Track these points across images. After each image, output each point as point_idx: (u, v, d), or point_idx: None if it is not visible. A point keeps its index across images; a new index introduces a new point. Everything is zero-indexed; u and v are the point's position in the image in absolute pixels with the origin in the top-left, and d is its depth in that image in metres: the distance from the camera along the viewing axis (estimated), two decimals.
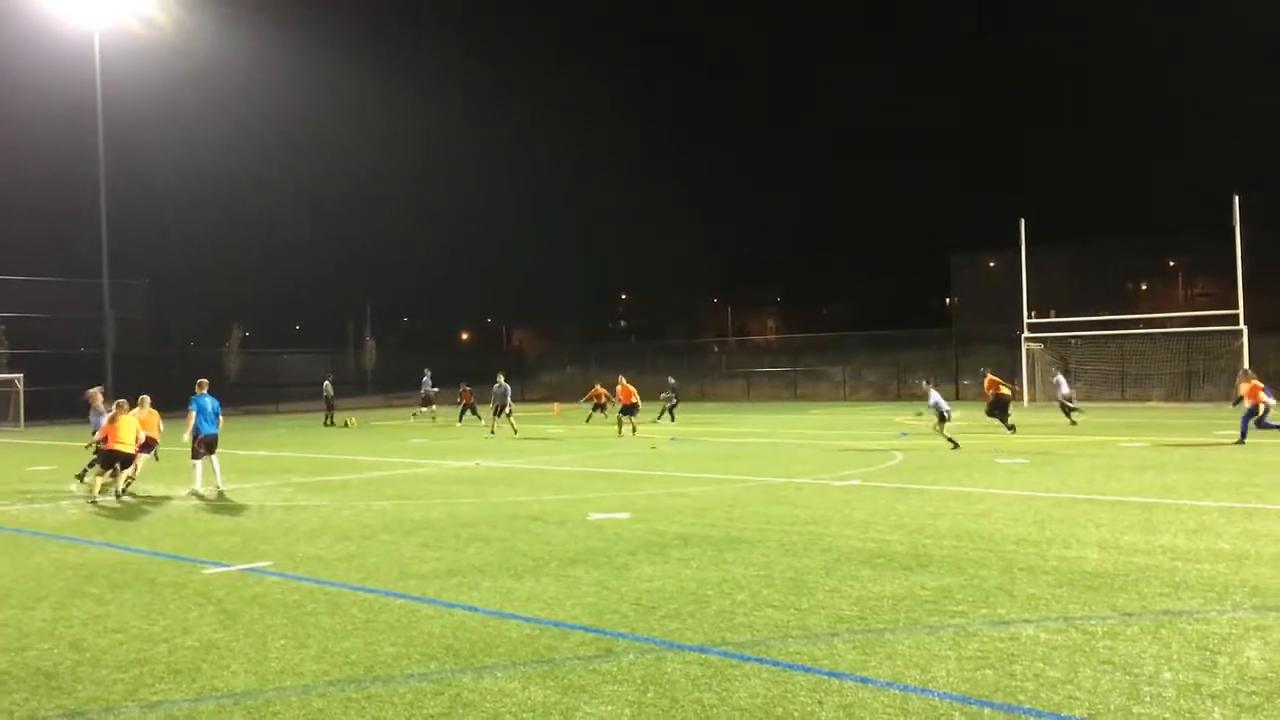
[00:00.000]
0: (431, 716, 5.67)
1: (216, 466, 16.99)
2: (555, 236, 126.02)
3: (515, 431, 30.41)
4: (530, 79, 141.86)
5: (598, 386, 38.11)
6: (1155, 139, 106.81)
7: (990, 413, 27.17)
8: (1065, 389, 31.66)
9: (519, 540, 11.28)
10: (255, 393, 53.93)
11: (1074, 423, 29.79)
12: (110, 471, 16.30)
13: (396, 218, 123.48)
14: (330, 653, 6.96)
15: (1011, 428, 26.10)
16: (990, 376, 28.00)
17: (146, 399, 18.24)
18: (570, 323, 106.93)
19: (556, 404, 51.05)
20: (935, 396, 23.17)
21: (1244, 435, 21.96)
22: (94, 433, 20.11)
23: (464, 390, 38.03)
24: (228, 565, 10.22)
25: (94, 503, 15.67)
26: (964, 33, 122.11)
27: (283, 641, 7.27)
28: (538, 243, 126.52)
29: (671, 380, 37.70)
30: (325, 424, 38.79)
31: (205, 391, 17.53)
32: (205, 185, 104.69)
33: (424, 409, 40.03)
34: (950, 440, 22.32)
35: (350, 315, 79.73)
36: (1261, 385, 22.38)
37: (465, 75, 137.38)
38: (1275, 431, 22.10)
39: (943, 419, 22.91)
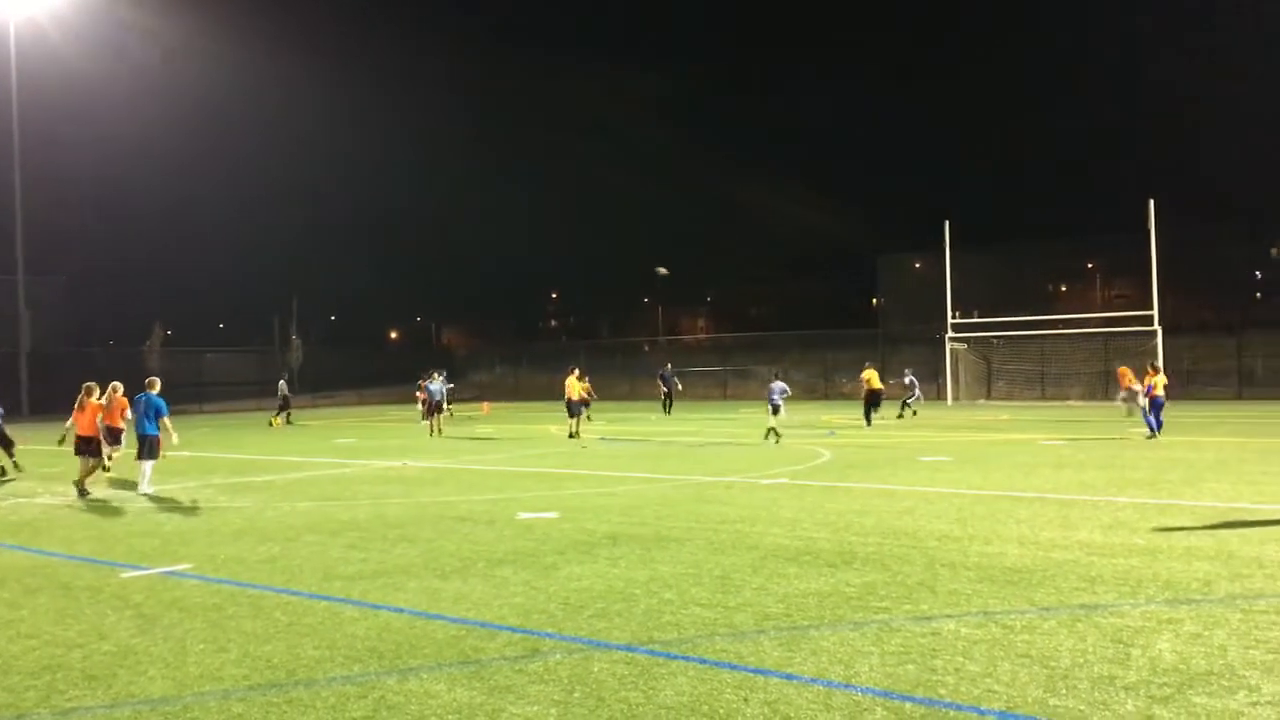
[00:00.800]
0: (355, 719, 5.61)
1: (146, 469, 16.51)
2: (486, 234, 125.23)
3: (441, 433, 30.03)
4: (461, 76, 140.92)
5: (585, 382, 37.74)
6: (1075, 143, 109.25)
7: (866, 407, 29.91)
8: (917, 391, 35.37)
9: (446, 540, 11.20)
10: (178, 392, 52.80)
11: (900, 415, 33.53)
12: (92, 460, 16.49)
13: (323, 213, 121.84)
14: (251, 656, 6.85)
15: (868, 422, 29.54)
16: (870, 371, 30.35)
17: (119, 385, 17.97)
18: (501, 321, 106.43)
19: (486, 403, 50.77)
20: (775, 389, 24.96)
21: (1158, 426, 23.27)
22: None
23: (422, 385, 37.29)
24: (146, 568, 10.00)
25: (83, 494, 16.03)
26: (889, 38, 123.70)
27: (202, 646, 7.14)
28: (468, 240, 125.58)
29: (669, 366, 36.55)
30: (270, 424, 38.08)
31: (153, 391, 16.88)
32: (126, 180, 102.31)
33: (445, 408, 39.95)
34: (771, 432, 24.30)
35: (276, 313, 78.47)
36: (1132, 377, 24.77)
37: (394, 67, 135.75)
38: (1145, 425, 23.61)
39: (774, 411, 24.63)
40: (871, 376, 29.96)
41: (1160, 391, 23.58)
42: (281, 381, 39.95)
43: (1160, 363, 25.96)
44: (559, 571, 9.39)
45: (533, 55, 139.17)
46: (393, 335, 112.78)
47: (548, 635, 7.24)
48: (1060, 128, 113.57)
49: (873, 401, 29.88)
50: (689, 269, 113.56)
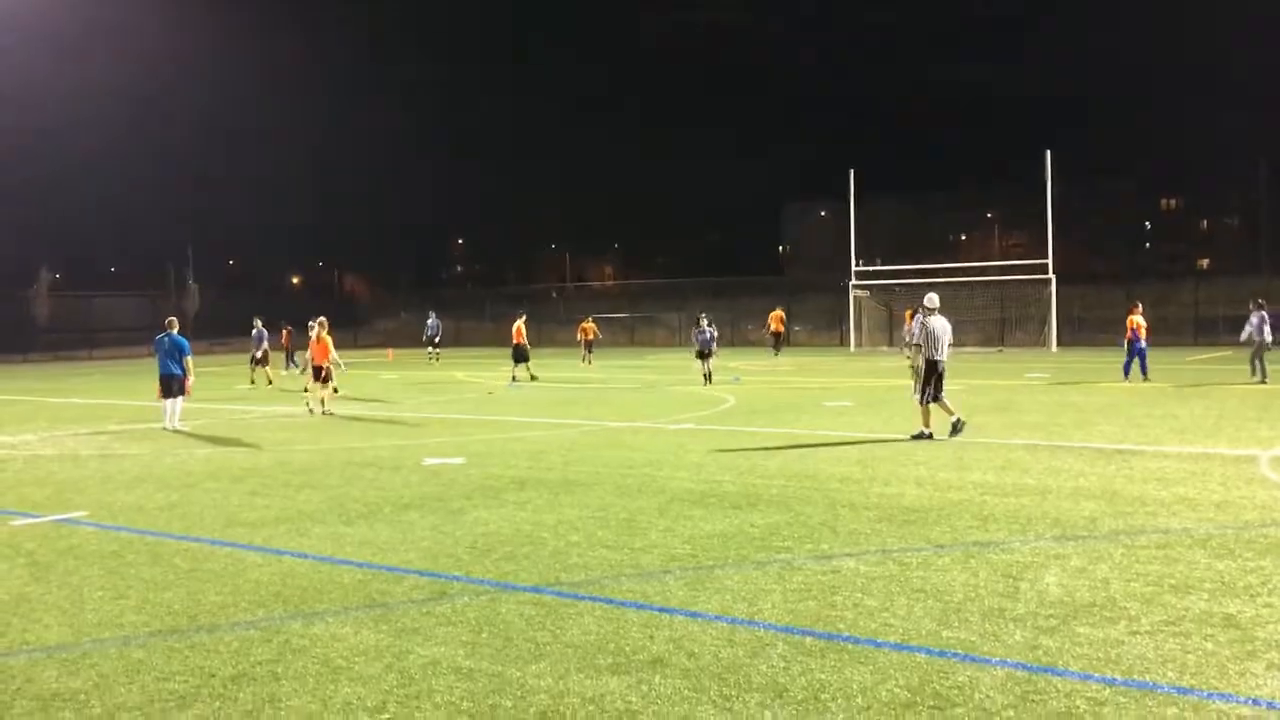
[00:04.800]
0: (260, 663, 5.58)
1: (175, 408, 17.27)
2: (389, 179, 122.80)
3: (270, 383, 27.78)
4: (365, 7, 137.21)
5: (585, 323, 37.74)
6: (977, 95, 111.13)
7: (774, 346, 38.53)
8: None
9: (352, 486, 11.11)
10: (66, 338, 51.14)
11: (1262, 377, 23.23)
12: (320, 383, 19.38)
13: (222, 151, 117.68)
14: (151, 603, 6.74)
15: (775, 352, 38.12)
16: (776, 313, 39.22)
17: (324, 320, 19.80)
18: (405, 268, 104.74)
19: (390, 350, 50.20)
20: (703, 334, 26.25)
21: (1143, 371, 22.96)
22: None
23: (285, 332, 34.85)
24: (39, 516, 9.74)
25: (314, 413, 19.22)
26: None
27: (100, 593, 7.00)
28: (372, 185, 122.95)
29: (703, 319, 27.33)
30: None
31: (173, 330, 17.69)
32: (6, 113, 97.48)
33: (432, 350, 40.59)
34: (705, 376, 25.47)
35: (170, 256, 76.04)
36: (1140, 324, 23.25)
37: (290, 12, 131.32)
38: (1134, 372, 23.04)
39: (701, 356, 25.99)
40: (775, 318, 39.50)
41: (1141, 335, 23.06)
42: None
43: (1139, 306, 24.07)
44: (466, 516, 9.40)
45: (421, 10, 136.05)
46: (294, 281, 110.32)
47: (455, 578, 7.26)
48: (961, 79, 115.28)
49: (775, 341, 39.38)
50: (596, 215, 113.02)
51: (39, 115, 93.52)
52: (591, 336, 37.24)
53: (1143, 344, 23.28)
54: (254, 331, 29.58)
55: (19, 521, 9.53)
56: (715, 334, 26.96)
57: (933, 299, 14.87)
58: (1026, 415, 17.05)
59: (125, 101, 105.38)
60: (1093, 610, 6.22)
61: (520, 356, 28.09)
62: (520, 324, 28.49)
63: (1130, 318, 23.52)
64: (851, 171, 44.07)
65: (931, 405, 14.25)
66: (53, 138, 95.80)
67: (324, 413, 19.17)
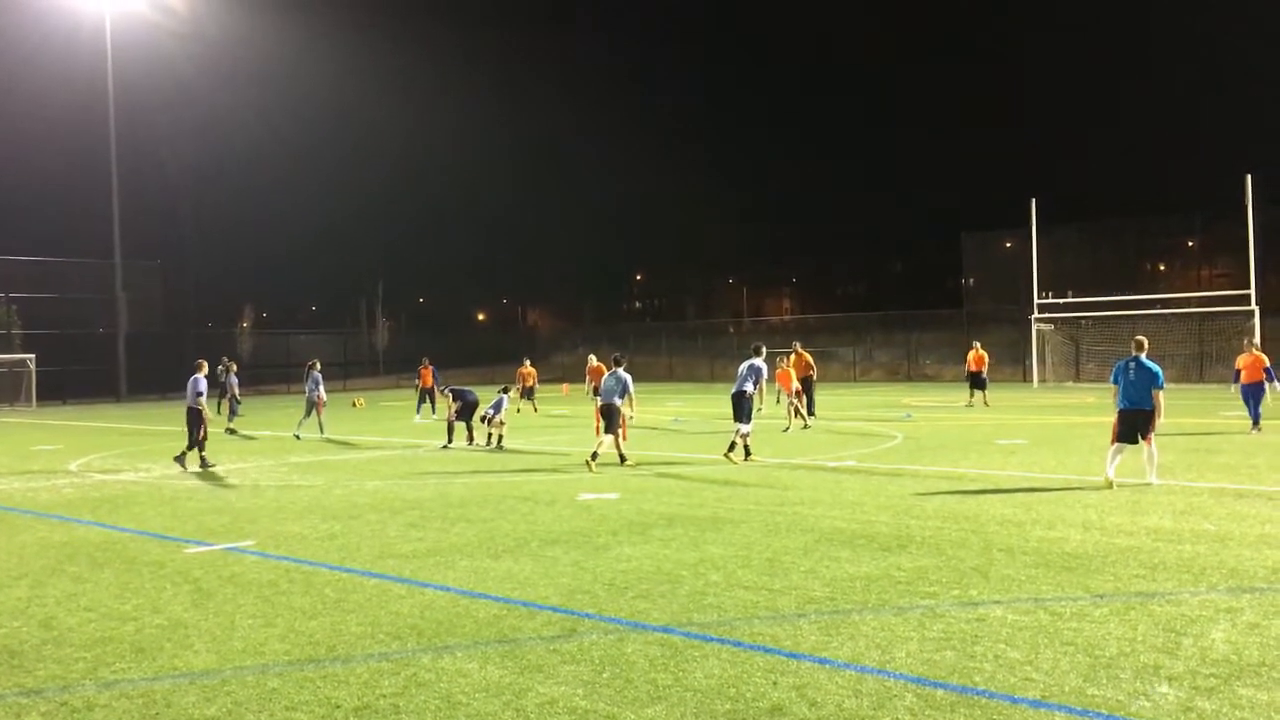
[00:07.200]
0: (384, 695, 5.68)
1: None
2: (572, 216, 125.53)
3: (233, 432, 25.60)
4: (551, 56, 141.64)
5: (524, 367, 33.49)
6: (1172, 116, 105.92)
7: (799, 396, 23.04)
8: None
9: (504, 520, 11.29)
10: (267, 373, 54.21)
11: None
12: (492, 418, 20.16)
13: (413, 196, 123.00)
14: (296, 632, 6.97)
15: (810, 413, 23.60)
16: (800, 352, 24.50)
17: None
18: (585, 303, 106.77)
19: (565, 385, 51.08)
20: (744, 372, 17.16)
21: (1257, 420, 19.84)
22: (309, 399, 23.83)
23: (424, 370, 31.08)
24: (211, 544, 10.26)
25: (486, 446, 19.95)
26: (971, 8, 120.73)
27: (250, 621, 7.29)
28: (555, 222, 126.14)
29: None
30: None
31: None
32: (217, 167, 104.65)
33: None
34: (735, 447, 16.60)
35: (364, 295, 79.88)
36: (1265, 361, 20.25)
37: (485, 50, 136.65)
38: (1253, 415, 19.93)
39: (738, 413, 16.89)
40: (972, 357, 30.34)
41: (1260, 376, 19.86)
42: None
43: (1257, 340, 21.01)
44: (609, 552, 9.40)
45: (630, 40, 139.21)
46: (480, 317, 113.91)
47: (587, 615, 7.25)
48: (1159, 99, 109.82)
49: (974, 382, 30.23)
50: (774, 248, 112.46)
51: (247, 166, 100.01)
52: (531, 383, 32.90)
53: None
54: (228, 377, 28.22)
55: (192, 549, 10.06)
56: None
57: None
58: (1217, 456, 15.94)
59: (326, 153, 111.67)
60: (1260, 671, 5.72)
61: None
62: (596, 362, 27.77)
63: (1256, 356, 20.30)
64: (1033, 200, 42.54)
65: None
66: (261, 189, 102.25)
67: (496, 446, 19.78)
